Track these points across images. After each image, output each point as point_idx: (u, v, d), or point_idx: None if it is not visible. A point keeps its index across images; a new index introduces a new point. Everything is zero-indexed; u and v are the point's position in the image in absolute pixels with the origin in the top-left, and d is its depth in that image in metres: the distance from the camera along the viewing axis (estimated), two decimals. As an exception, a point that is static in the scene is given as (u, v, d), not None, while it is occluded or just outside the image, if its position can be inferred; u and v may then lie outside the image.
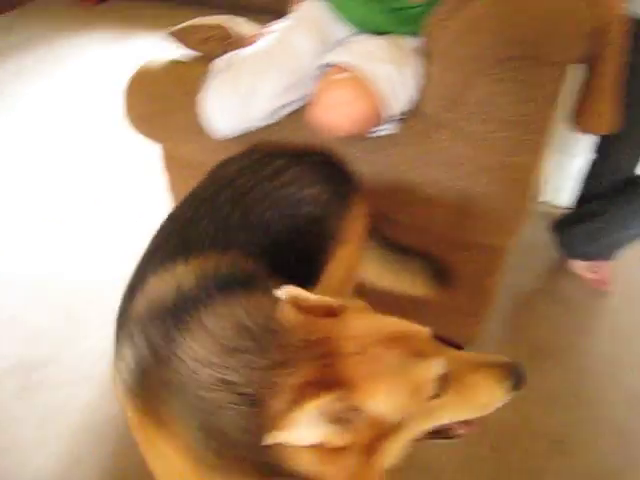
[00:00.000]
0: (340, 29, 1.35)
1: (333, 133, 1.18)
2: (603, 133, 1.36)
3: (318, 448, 0.66)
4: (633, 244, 1.90)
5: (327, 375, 0.67)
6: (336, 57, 1.23)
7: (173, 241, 0.94)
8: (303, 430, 0.64)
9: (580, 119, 1.32)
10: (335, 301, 0.77)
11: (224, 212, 0.97)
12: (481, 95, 1.19)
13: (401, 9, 1.27)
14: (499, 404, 0.77)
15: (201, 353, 0.74)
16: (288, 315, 0.74)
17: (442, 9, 1.23)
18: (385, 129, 1.25)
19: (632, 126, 1.44)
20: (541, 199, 2.28)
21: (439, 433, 0.79)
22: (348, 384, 0.66)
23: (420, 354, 0.71)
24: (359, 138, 1.24)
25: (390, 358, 0.70)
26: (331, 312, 0.75)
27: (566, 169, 2.08)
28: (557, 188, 2.20)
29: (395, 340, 0.71)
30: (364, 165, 1.28)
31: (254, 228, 0.98)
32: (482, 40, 1.14)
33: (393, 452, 0.73)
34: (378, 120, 1.19)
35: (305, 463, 0.68)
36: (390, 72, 1.18)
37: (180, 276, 0.84)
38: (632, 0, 1.43)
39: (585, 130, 1.35)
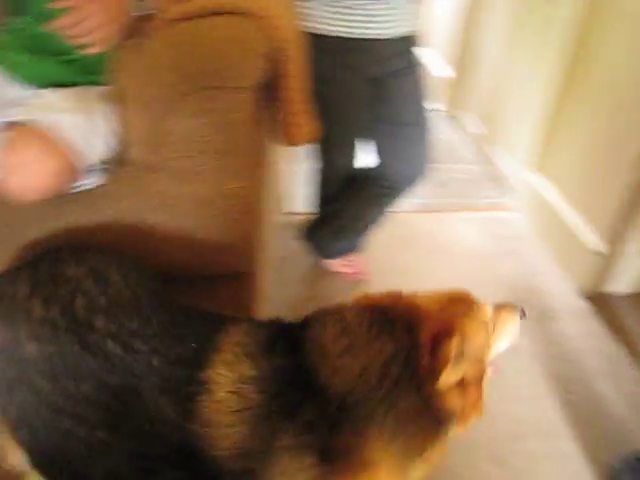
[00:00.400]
0: (16, 89, 1.23)
1: (28, 197, 1.06)
2: (307, 143, 1.43)
3: (459, 385, 0.89)
4: (375, 231, 2.07)
5: (442, 328, 0.89)
6: (14, 116, 1.11)
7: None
8: (452, 369, 0.86)
9: (283, 133, 1.37)
10: (398, 290, 1.00)
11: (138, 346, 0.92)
12: (181, 131, 1.17)
13: (77, 60, 1.20)
14: (518, 330, 1.09)
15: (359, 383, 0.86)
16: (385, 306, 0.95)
17: (123, 53, 1.18)
18: (88, 182, 1.17)
19: (330, 130, 1.54)
20: (285, 210, 2.38)
21: None
22: (456, 329, 0.89)
23: (475, 304, 0.99)
24: (61, 196, 1.13)
25: (465, 309, 0.96)
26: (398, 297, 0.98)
27: (300, 177, 2.19)
28: (297, 197, 2.30)
29: (457, 299, 0.98)
30: (80, 226, 1.19)
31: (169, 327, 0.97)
32: (165, 78, 1.12)
33: (487, 383, 0.97)
34: (75, 173, 1.10)
35: (455, 401, 0.89)
36: (77, 121, 1.10)
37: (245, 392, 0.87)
38: (309, 18, 1.54)
39: (290, 143, 1.41)
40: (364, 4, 1.53)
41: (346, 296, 0.99)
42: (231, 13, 1.17)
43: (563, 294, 2.16)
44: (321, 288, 2.13)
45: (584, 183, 2.26)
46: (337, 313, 0.95)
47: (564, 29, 2.32)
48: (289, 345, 0.91)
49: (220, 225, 1.25)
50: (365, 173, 1.95)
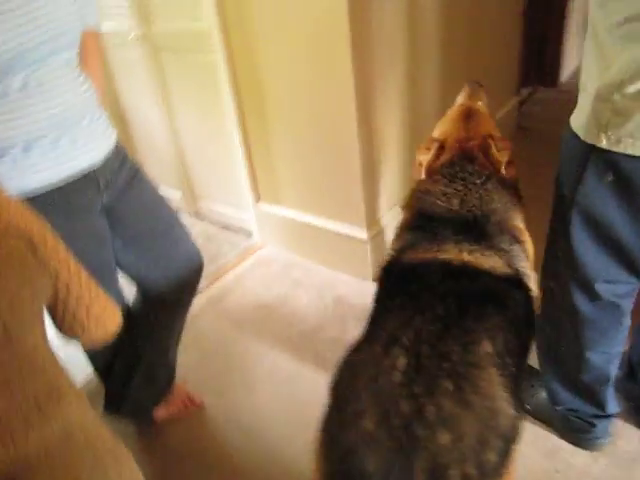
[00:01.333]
0: None
1: None
2: (109, 338, 1.10)
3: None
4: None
5: (480, 142, 1.44)
6: None
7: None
8: (502, 158, 1.41)
9: (87, 335, 1.03)
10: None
11: None
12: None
13: None
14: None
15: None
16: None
17: None
18: None
19: None
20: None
21: None
22: (489, 140, 1.43)
23: (480, 111, 1.57)
24: None
25: (479, 119, 1.53)
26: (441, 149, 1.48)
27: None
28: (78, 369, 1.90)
29: (465, 118, 1.52)
30: None
31: None
32: None
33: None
34: None
35: (511, 170, 1.44)
36: None
37: None
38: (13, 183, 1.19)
39: (101, 340, 1.07)
40: (57, 145, 1.27)
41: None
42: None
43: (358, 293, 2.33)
44: (162, 447, 1.81)
45: (315, 193, 2.36)
46: (424, 194, 1.40)
47: (220, 67, 2.31)
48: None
49: None
50: (142, 304, 1.67)
